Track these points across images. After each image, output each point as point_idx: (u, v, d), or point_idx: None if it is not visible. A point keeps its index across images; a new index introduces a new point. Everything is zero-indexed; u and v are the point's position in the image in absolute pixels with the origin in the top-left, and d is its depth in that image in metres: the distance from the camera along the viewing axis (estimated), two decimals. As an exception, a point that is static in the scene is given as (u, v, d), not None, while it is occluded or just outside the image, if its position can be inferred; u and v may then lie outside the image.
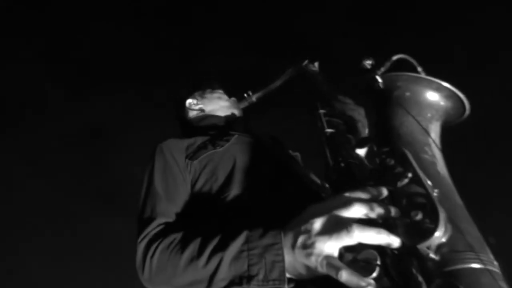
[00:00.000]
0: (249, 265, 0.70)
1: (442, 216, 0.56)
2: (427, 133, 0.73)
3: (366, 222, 0.62)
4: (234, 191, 0.96)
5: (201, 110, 1.41)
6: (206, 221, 0.93)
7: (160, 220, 0.90)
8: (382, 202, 0.63)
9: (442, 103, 0.75)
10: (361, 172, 0.75)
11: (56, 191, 3.50)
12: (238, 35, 3.72)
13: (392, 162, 0.67)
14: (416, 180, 0.62)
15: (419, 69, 0.82)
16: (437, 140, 0.75)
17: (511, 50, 3.05)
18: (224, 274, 0.71)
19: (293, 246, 0.66)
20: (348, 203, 0.63)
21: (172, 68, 3.64)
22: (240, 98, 1.45)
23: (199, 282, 0.74)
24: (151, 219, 0.91)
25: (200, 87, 1.49)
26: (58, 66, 3.77)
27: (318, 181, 0.99)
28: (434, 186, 0.63)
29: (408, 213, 0.60)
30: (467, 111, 0.76)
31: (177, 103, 1.49)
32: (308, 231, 0.64)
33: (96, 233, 3.44)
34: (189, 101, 1.44)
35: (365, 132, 0.97)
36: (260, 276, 0.68)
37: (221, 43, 3.68)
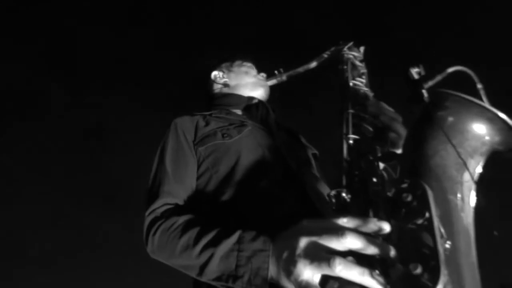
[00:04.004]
0: (237, 266, 0.71)
1: (442, 279, 0.50)
2: (465, 166, 0.63)
3: (356, 255, 0.57)
4: (231, 191, 0.95)
5: (226, 84, 1.33)
6: (203, 206, 0.96)
7: (166, 199, 0.94)
8: (379, 240, 0.57)
9: (492, 135, 0.63)
10: (377, 194, 0.68)
11: (55, 191, 3.57)
12: (238, 35, 3.56)
13: (410, 198, 0.59)
14: (429, 226, 0.55)
15: (479, 86, 0.70)
16: (476, 175, 0.65)
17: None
18: (214, 268, 0.74)
19: (278, 259, 0.66)
20: (341, 232, 0.57)
21: (172, 68, 3.58)
22: (270, 75, 1.34)
23: (191, 268, 0.79)
24: (157, 196, 0.95)
25: (229, 59, 1.40)
26: (58, 66, 3.76)
27: (325, 194, 0.92)
28: (449, 236, 0.56)
29: (407, 261, 0.54)
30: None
31: (203, 75, 1.42)
32: (293, 248, 0.62)
33: (95, 233, 3.51)
34: (214, 73, 1.37)
35: (400, 144, 0.84)
36: (245, 279, 0.70)
37: (221, 43, 3.49)
